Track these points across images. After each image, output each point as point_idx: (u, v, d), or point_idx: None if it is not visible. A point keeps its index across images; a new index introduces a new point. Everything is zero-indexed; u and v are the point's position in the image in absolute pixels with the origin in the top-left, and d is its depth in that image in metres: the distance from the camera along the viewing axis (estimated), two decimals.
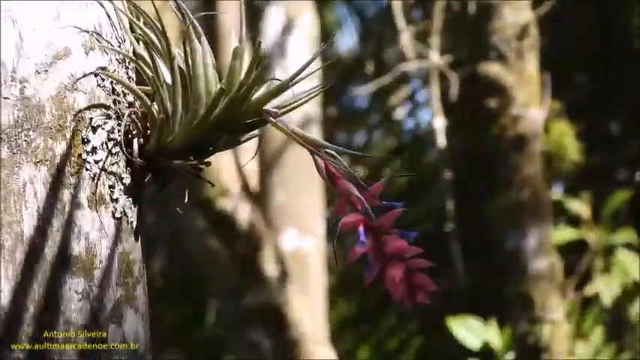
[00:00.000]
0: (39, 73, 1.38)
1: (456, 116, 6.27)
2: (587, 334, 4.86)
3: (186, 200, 1.50)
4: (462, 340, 4.64)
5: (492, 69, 4.44)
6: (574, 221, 5.35)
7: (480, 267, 6.28)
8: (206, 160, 1.45)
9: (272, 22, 5.14)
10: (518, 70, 4.43)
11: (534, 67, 4.48)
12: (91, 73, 1.41)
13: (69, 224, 1.36)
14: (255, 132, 1.47)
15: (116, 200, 1.41)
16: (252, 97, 1.43)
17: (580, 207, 5.28)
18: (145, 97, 1.42)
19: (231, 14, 4.71)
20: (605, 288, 5.07)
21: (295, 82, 1.45)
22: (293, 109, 1.47)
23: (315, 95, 1.48)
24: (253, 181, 5.03)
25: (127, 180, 1.43)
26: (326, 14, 6.96)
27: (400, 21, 5.05)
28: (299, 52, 5.01)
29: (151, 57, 1.42)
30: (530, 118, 4.43)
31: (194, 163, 1.43)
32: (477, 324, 4.67)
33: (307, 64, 1.45)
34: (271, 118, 1.43)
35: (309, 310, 4.70)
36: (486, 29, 4.45)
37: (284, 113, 1.46)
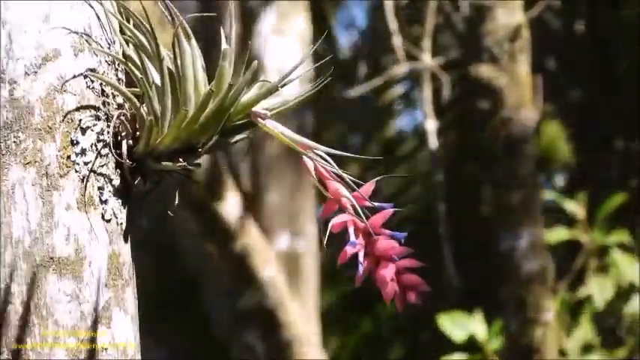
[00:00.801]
0: (28, 74, 1.38)
1: (449, 118, 6.28)
2: (578, 335, 4.87)
3: (176, 202, 1.50)
4: (448, 334, 4.62)
5: (484, 71, 4.44)
6: (569, 222, 5.34)
7: (472, 268, 6.29)
8: (195, 161, 1.45)
9: (266, 23, 5.14)
10: (511, 72, 4.43)
11: (526, 69, 4.47)
12: (81, 74, 1.41)
13: (58, 226, 1.36)
14: (245, 134, 1.47)
15: (105, 202, 1.41)
16: (242, 99, 1.43)
17: (575, 208, 5.28)
18: (135, 99, 1.42)
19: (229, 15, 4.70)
20: (598, 290, 5.07)
21: (285, 84, 1.45)
22: (282, 110, 1.47)
23: (305, 97, 1.48)
24: (246, 183, 5.03)
25: (117, 181, 1.43)
26: (326, 15, 6.94)
27: (391, 22, 5.04)
28: (292, 53, 5.01)
29: (140, 59, 1.42)
30: (522, 120, 4.43)
31: (183, 164, 1.43)
32: (463, 317, 4.66)
33: (297, 65, 1.45)
34: (260, 120, 1.44)
35: (301, 311, 4.70)
36: (478, 31, 4.45)
37: (273, 115, 1.45)
